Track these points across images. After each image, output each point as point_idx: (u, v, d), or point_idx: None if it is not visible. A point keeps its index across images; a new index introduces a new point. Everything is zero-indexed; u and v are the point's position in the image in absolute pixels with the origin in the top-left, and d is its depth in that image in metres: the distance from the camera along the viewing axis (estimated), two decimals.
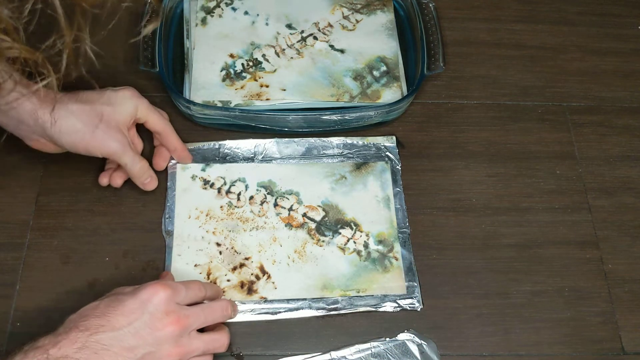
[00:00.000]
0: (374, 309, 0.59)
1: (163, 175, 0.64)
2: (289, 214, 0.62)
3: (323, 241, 0.61)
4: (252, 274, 0.59)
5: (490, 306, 0.60)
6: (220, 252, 0.60)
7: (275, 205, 0.62)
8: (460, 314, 0.60)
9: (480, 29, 0.77)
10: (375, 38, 0.72)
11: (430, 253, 0.62)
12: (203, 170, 0.64)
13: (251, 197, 0.63)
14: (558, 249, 0.64)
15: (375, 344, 0.57)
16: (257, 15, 0.73)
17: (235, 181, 0.64)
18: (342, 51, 0.71)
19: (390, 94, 0.69)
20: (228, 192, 0.63)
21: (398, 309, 0.59)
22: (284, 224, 0.62)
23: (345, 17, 0.73)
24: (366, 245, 0.61)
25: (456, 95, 0.72)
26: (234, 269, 0.59)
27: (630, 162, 0.69)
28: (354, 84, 0.69)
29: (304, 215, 0.62)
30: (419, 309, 0.59)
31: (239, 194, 0.63)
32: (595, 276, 0.63)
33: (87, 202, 0.63)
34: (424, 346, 0.57)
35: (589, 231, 0.65)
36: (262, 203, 0.62)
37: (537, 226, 0.65)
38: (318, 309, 0.58)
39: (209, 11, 0.72)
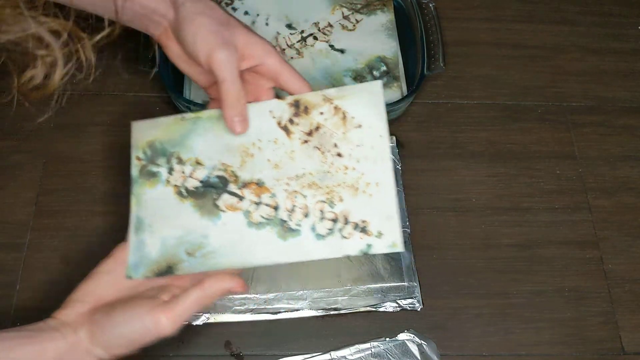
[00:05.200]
0: (374, 309, 0.59)
1: None
2: None
3: None
4: None
5: (490, 306, 0.60)
6: None
7: None
8: (460, 314, 0.60)
9: (480, 29, 0.77)
10: (375, 38, 0.72)
11: (430, 253, 0.62)
12: None
13: None
14: (558, 249, 0.64)
15: (375, 344, 0.57)
16: (257, 15, 0.72)
17: None
18: (342, 51, 0.71)
19: (390, 94, 0.68)
20: None
21: (398, 309, 0.59)
22: None
23: (345, 17, 0.73)
24: None
25: (456, 95, 0.72)
26: None
27: (630, 162, 0.69)
28: (354, 84, 0.69)
29: None
30: (419, 309, 0.59)
31: None
32: (595, 276, 0.63)
33: (87, 202, 0.63)
34: (424, 346, 0.57)
35: (589, 231, 0.65)
36: None
37: (537, 226, 0.65)
38: (318, 309, 0.58)
39: None
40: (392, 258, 0.61)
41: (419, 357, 0.57)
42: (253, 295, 0.59)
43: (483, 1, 0.79)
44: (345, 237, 0.48)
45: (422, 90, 0.71)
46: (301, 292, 0.59)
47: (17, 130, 0.65)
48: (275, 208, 0.50)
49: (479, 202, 0.66)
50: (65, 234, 0.61)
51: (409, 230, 0.63)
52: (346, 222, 0.48)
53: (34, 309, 0.57)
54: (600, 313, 0.61)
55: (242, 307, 0.58)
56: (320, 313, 0.58)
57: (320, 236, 0.48)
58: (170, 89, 0.65)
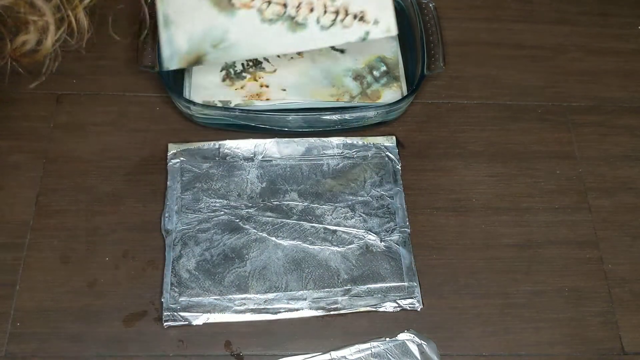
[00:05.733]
0: (374, 309, 0.59)
1: (163, 174, 0.64)
2: None
3: None
4: None
5: (490, 306, 0.60)
6: None
7: None
8: (460, 314, 0.60)
9: (480, 29, 0.77)
10: None
11: (430, 253, 0.62)
12: None
13: None
14: (558, 249, 0.64)
15: (375, 344, 0.57)
16: None
17: None
18: (342, 51, 0.71)
19: (390, 94, 0.68)
20: None
21: (398, 309, 0.59)
22: None
23: None
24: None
25: (456, 95, 0.72)
26: None
27: (630, 162, 0.69)
28: (354, 84, 0.69)
29: None
30: (419, 309, 0.59)
31: None
32: (595, 276, 0.63)
33: (87, 202, 0.63)
34: (424, 346, 0.57)
35: (589, 231, 0.65)
36: None
37: (537, 226, 0.65)
38: (318, 309, 0.58)
39: None
40: (392, 258, 0.61)
41: (419, 357, 0.57)
42: (253, 295, 0.59)
43: (483, 1, 0.79)
44: (346, 27, 0.59)
45: (422, 90, 0.71)
46: (301, 292, 0.59)
47: (17, 130, 0.65)
48: (285, 5, 0.59)
49: (479, 202, 0.66)
50: (65, 234, 0.61)
51: (409, 230, 0.63)
52: (346, 13, 0.59)
53: (34, 309, 0.57)
54: (600, 313, 0.61)
55: (242, 307, 0.58)
56: (320, 313, 0.58)
57: (324, 27, 0.59)
58: (170, 89, 0.65)
